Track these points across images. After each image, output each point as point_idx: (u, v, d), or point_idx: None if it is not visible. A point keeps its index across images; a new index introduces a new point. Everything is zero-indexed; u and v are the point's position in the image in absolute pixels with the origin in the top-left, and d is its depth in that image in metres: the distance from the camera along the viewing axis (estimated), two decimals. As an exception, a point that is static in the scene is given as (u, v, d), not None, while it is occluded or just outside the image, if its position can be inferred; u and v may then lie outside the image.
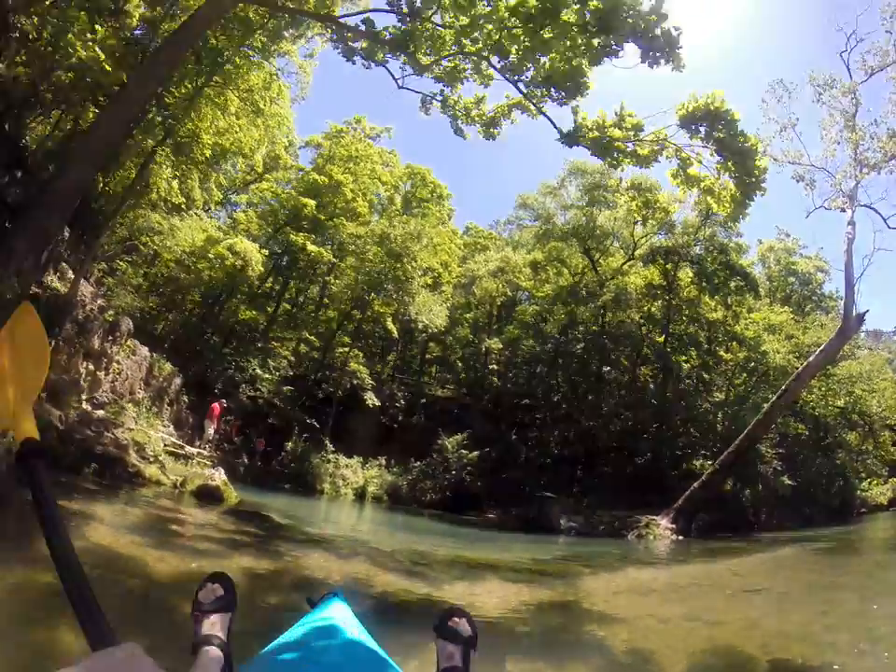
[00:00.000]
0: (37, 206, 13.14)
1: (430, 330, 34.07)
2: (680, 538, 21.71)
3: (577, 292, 35.81)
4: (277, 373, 29.50)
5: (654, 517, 23.19)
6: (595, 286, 35.46)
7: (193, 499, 12.80)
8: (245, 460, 26.42)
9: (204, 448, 22.06)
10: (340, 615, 2.39)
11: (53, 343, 16.32)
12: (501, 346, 38.73)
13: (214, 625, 1.99)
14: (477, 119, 20.65)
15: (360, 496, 28.59)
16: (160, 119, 20.07)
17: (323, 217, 31.01)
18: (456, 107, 20.62)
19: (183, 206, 26.35)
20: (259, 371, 28.78)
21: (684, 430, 32.47)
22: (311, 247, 29.20)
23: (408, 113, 75.61)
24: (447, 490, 29.98)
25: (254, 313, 31.66)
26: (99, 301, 18.52)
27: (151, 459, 13.55)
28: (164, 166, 22.88)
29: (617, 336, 35.55)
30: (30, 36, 16.54)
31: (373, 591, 7.34)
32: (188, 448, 19.80)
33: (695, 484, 24.22)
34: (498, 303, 42.83)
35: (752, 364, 34.10)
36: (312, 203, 30.37)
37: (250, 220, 30.81)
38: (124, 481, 12.16)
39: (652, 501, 25.05)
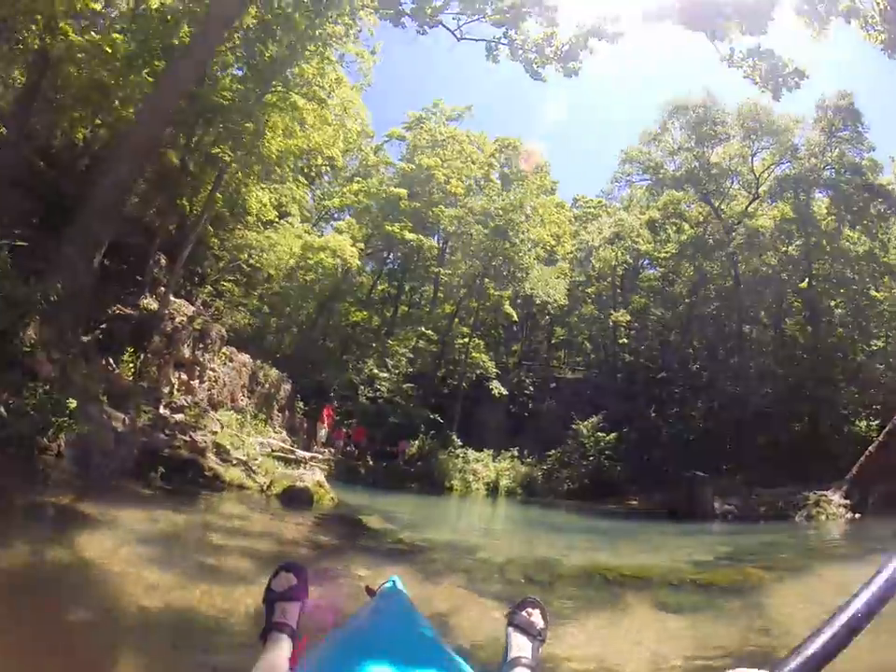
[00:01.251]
0: (84, 209, 12.66)
1: (551, 306, 31.45)
2: (857, 515, 17.89)
3: (702, 244, 32.00)
4: (396, 371, 27.90)
5: (824, 492, 19.38)
6: (721, 234, 31.47)
7: (278, 503, 11.08)
8: (370, 461, 24.90)
9: (319, 451, 20.75)
10: (398, 603, 2.29)
11: (142, 356, 15.54)
12: (629, 318, 35.30)
13: (284, 612, 1.94)
14: (552, 56, 18.35)
15: (493, 490, 26.33)
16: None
17: (419, 206, 29.08)
18: (526, 47, 18.42)
19: (276, 220, 25.55)
20: (376, 370, 27.30)
21: (845, 387, 27.94)
22: (409, 235, 27.36)
23: (484, 95, 70.87)
24: (585, 478, 27.56)
25: (366, 314, 30.22)
26: (191, 312, 17.48)
27: (234, 462, 11.95)
28: (251, 183, 22.41)
29: (754, 287, 31.30)
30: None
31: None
32: (298, 452, 18.40)
33: (871, 448, 19.69)
34: (620, 273, 39.29)
35: None
36: (404, 192, 28.64)
37: (350, 226, 29.37)
38: (199, 486, 10.56)
39: (817, 473, 21.37)
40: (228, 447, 12.64)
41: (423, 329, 31.68)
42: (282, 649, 1.81)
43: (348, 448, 24.39)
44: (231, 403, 17.96)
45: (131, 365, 14.90)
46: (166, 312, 16.64)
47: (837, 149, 30.51)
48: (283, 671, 1.73)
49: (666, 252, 35.42)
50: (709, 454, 26.47)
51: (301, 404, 23.34)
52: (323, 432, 21.41)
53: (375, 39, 23.84)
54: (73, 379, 10.64)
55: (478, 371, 30.44)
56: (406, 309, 38.10)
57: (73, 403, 8.68)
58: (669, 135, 34.19)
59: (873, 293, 30.22)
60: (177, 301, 18.05)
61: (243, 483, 11.59)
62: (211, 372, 17.21)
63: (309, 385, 25.25)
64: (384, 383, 27.06)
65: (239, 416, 17.49)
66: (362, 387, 26.87)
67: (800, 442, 25.97)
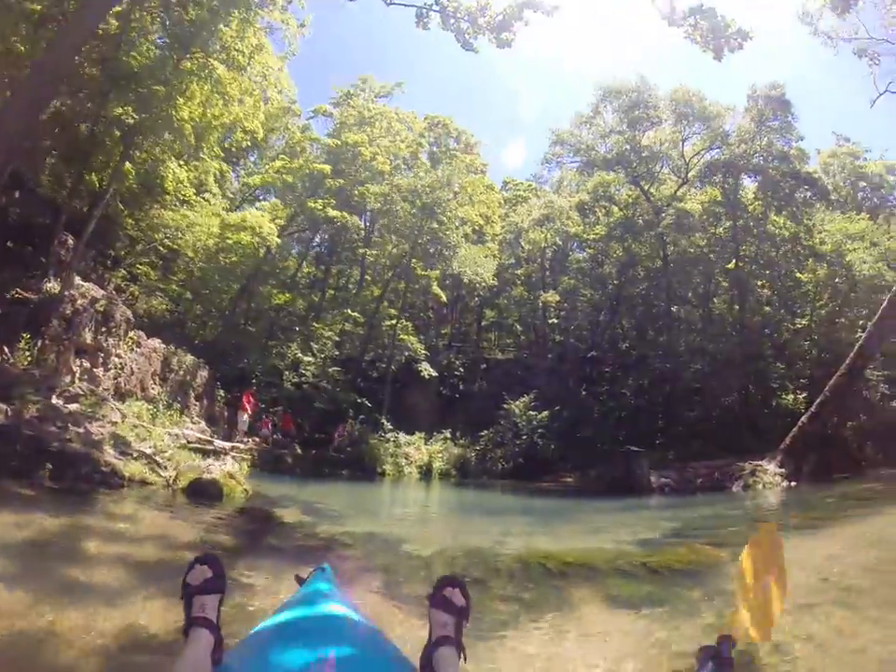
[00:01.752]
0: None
1: (479, 287, 30.67)
2: (793, 483, 18.44)
3: (631, 225, 31.95)
4: (322, 356, 26.70)
5: (759, 462, 19.78)
6: (650, 216, 31.42)
7: (184, 499, 9.95)
8: (299, 450, 23.70)
9: (241, 441, 19.47)
10: (327, 591, 2.31)
11: (39, 343, 14.13)
12: (559, 299, 35.12)
13: (204, 607, 1.90)
14: (485, 26, 17.48)
15: (426, 473, 25.59)
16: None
17: (344, 183, 27.77)
18: (458, 15, 17.51)
19: (193, 198, 24.10)
20: (300, 355, 26.06)
21: (772, 363, 28.45)
22: (332, 212, 26.02)
23: (418, 75, 69.84)
24: (519, 457, 27.11)
25: (289, 296, 28.85)
26: (98, 295, 15.97)
27: (136, 455, 10.74)
28: (166, 158, 21.34)
29: (683, 267, 31.51)
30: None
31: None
32: (217, 443, 17.11)
33: (803, 419, 20.54)
34: (549, 255, 38.90)
35: (836, 280, 29.51)
36: (327, 167, 27.27)
37: (275, 207, 27.85)
38: (94, 483, 9.32)
39: (748, 446, 21.97)
40: (130, 439, 11.42)
41: (349, 311, 30.44)
42: (203, 644, 1.75)
43: (275, 437, 23.11)
44: (142, 392, 16.64)
45: (27, 353, 13.57)
46: (66, 294, 15.11)
47: (766, 138, 31.02)
48: (205, 666, 1.69)
49: (595, 234, 35.21)
50: (642, 430, 26.84)
51: (221, 392, 21.98)
52: (245, 419, 20.10)
53: (307, 12, 22.26)
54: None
55: (406, 354, 29.62)
56: (333, 293, 36.75)
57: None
58: (601, 118, 33.84)
59: (797, 275, 30.92)
60: (85, 284, 16.51)
61: (145, 478, 10.43)
62: (116, 359, 15.82)
63: (231, 372, 23.92)
64: (309, 367, 25.88)
65: (150, 406, 16.22)
66: (287, 373, 25.62)
67: (730, 417, 26.49)
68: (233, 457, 17.35)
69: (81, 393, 11.87)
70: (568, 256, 40.07)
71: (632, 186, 33.41)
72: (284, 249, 35.94)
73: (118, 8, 16.11)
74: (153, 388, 17.23)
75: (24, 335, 13.71)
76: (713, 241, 31.34)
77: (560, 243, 38.29)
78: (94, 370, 15.00)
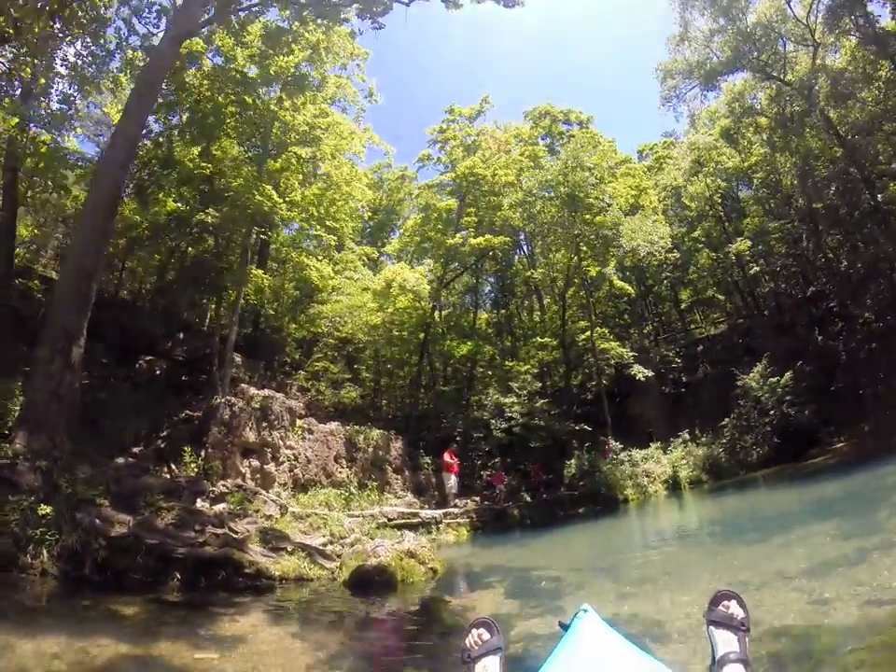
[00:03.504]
0: (49, 305, 11.33)
1: (660, 257, 26.16)
2: None
3: (784, 119, 26.04)
4: (524, 392, 23.67)
5: None
6: (802, 104, 25.33)
7: (346, 594, 7.25)
8: (528, 498, 20.50)
9: (454, 505, 16.76)
10: (593, 630, 2.14)
11: (203, 452, 12.59)
12: (749, 244, 29.17)
13: (486, 669, 1.91)
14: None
15: (674, 487, 21.05)
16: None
17: (476, 211, 25.30)
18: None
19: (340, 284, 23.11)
20: (501, 398, 23.19)
21: None
22: (473, 241, 23.26)
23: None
24: (773, 436, 22.03)
25: (471, 344, 26.37)
26: (250, 395, 14.37)
27: (291, 550, 8.26)
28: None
29: (866, 141, 24.22)
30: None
31: None
32: (424, 513, 14.76)
33: None
34: (718, 201, 33.58)
35: None
36: (453, 202, 25.22)
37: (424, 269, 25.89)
38: (236, 588, 7.14)
39: None
40: (289, 531, 9.01)
41: (539, 338, 27.39)
42: None
43: (509, 491, 20.22)
44: (327, 478, 14.55)
45: (192, 465, 12.02)
46: (223, 401, 13.51)
47: None
48: None
49: (757, 156, 29.58)
50: None
51: (427, 460, 19.52)
52: (452, 481, 17.37)
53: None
54: (59, 486, 7.89)
55: (613, 362, 25.50)
56: (519, 332, 34.03)
57: (45, 509, 6.97)
58: (694, 28, 28.25)
59: None
60: (244, 387, 15.00)
61: (302, 573, 7.94)
62: (288, 451, 13.93)
63: (433, 438, 21.49)
64: (514, 408, 22.77)
65: (339, 491, 14.03)
66: (493, 421, 22.73)
67: None
68: (448, 524, 14.87)
69: (227, 491, 9.69)
70: (740, 195, 34.75)
71: (766, 83, 27.38)
72: (454, 305, 34.26)
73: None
74: (340, 472, 15.15)
75: (186, 449, 12.23)
76: (882, 96, 23.86)
77: (724, 184, 32.94)
78: (265, 466, 13.17)
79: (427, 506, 16.45)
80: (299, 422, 14.79)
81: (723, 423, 23.58)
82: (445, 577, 8.45)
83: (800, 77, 25.76)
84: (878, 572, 4.82)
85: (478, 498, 19.23)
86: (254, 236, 19.26)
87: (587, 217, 23.69)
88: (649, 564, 8.00)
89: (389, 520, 13.30)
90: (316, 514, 10.78)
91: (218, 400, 13.79)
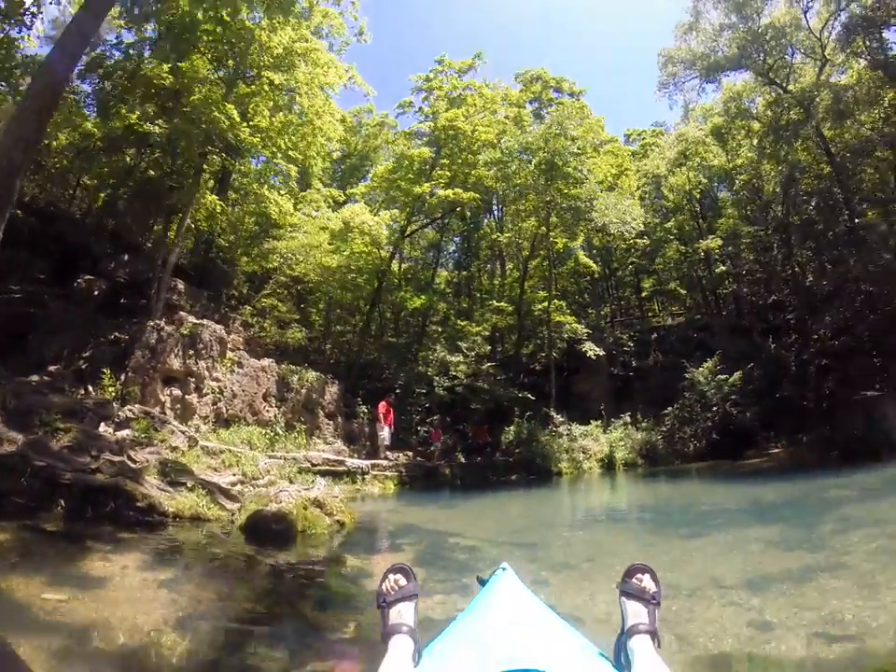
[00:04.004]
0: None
1: (629, 237, 25.69)
2: None
3: (778, 127, 25.51)
4: (473, 353, 23.23)
5: None
6: (799, 114, 24.77)
7: (239, 540, 6.65)
8: (463, 459, 20.22)
9: (383, 457, 16.25)
10: (510, 588, 2.16)
11: (123, 376, 11.77)
12: (720, 243, 29.03)
13: (401, 614, 1.91)
14: None
15: (608, 466, 21.07)
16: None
17: (448, 164, 24.13)
18: None
19: (299, 221, 22.50)
20: (448, 357, 22.70)
21: None
22: (442, 192, 22.21)
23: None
24: (712, 432, 22.26)
25: (425, 298, 25.52)
26: (181, 321, 13.54)
27: (191, 486, 7.62)
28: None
29: (855, 165, 24.54)
30: None
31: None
32: (351, 462, 14.13)
33: None
34: (697, 196, 33.19)
35: None
36: (426, 151, 24.04)
37: (392, 218, 24.55)
38: (125, 522, 6.53)
39: None
40: (191, 467, 8.35)
41: (495, 302, 26.87)
42: (404, 649, 1.72)
43: (444, 449, 20.03)
44: (253, 416, 13.84)
45: (111, 389, 11.20)
46: (151, 325, 12.66)
47: None
48: (409, 670, 1.64)
49: (743, 159, 29.14)
50: (852, 375, 20.50)
51: (365, 409, 18.93)
52: (385, 433, 16.79)
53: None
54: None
55: (566, 336, 25.21)
56: (477, 295, 33.48)
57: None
58: (705, 20, 27.53)
59: None
60: (182, 314, 14.16)
61: (199, 513, 7.30)
62: (213, 383, 13.17)
63: (373, 388, 20.90)
64: (459, 367, 22.34)
65: (265, 431, 13.40)
66: (437, 378, 22.24)
67: None
68: (375, 476, 14.39)
69: (133, 417, 8.95)
70: (719, 195, 34.58)
71: (766, 88, 26.98)
72: (416, 260, 33.48)
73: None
74: (267, 411, 14.45)
75: (106, 371, 11.40)
76: (884, 119, 23.76)
77: (705, 181, 32.57)
78: (186, 397, 12.40)
79: (356, 455, 15.94)
80: (229, 354, 14.01)
81: (666, 411, 23.61)
82: (354, 532, 7.83)
83: (802, 88, 25.38)
84: (826, 598, 4.29)
85: (411, 454, 18.80)
86: (216, 161, 18.38)
87: (562, 186, 22.97)
88: (574, 546, 7.47)
89: (313, 465, 12.72)
90: (230, 451, 10.11)
91: (148, 324, 12.95)
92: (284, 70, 17.31)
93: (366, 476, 14.09)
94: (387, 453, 16.70)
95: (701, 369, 23.70)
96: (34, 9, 13.13)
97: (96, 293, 16.30)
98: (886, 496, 9.54)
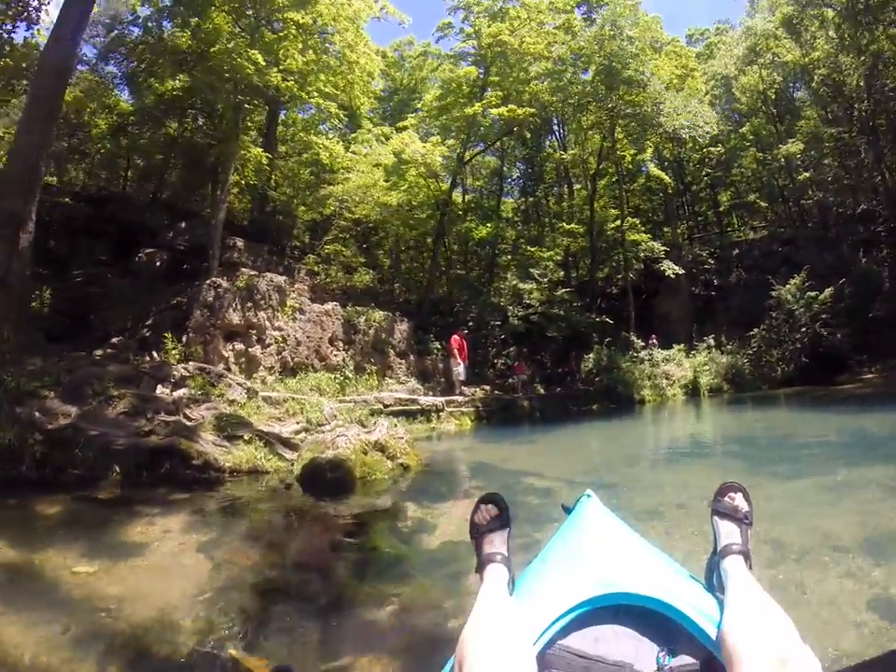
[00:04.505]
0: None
1: (703, 142, 23.79)
2: None
3: (857, 12, 22.43)
4: (546, 280, 22.37)
5: None
6: None
7: (299, 492, 6.21)
8: (541, 390, 19.60)
9: (459, 393, 15.76)
10: (596, 514, 2.10)
11: (185, 338, 11.62)
12: (802, 147, 26.50)
13: (493, 543, 1.86)
14: None
15: (693, 392, 19.98)
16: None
17: (501, 82, 22.32)
18: None
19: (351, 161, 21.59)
20: (521, 285, 21.89)
21: None
22: (495, 111, 20.68)
23: None
24: (801, 355, 20.98)
25: (491, 226, 24.39)
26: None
27: (248, 438, 7.27)
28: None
29: None
30: None
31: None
32: (424, 399, 13.70)
33: None
34: (773, 96, 30.18)
35: None
36: (473, 70, 22.28)
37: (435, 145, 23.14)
38: (181, 482, 6.32)
39: None
40: (250, 419, 8.02)
41: (566, 224, 25.46)
42: (500, 579, 1.68)
43: (524, 381, 19.36)
44: (321, 362, 13.51)
45: (174, 352, 11.07)
46: (207, 283, 12.40)
47: None
48: (506, 598, 1.60)
49: (819, 52, 26.13)
50: None
51: (437, 345, 18.46)
52: (459, 368, 16.24)
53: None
54: (2, 380, 7.15)
55: (642, 256, 23.86)
56: (547, 220, 32.15)
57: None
58: None
59: None
60: (243, 270, 13.97)
61: (258, 465, 6.96)
62: (276, 332, 12.84)
63: (445, 323, 20.33)
64: (533, 294, 21.55)
65: (334, 375, 13.08)
66: (511, 308, 21.53)
67: None
68: (451, 413, 13.94)
69: (188, 375, 8.65)
70: (796, 95, 31.49)
71: None
72: (479, 189, 32.39)
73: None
74: (335, 355, 14.10)
75: (167, 335, 11.26)
76: None
77: (780, 79, 29.60)
78: (249, 350, 12.15)
79: (431, 393, 15.47)
80: (290, 301, 13.61)
81: (752, 333, 22.33)
82: (420, 476, 7.27)
83: None
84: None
85: (488, 387, 18.28)
86: (258, 115, 17.74)
87: (624, 93, 21.30)
88: (659, 487, 6.49)
89: (385, 406, 12.37)
90: (293, 399, 9.76)
91: (204, 283, 12.73)
92: (303, 5, 16.26)
93: (441, 413, 13.62)
94: (463, 388, 16.17)
95: (788, 286, 22.17)
96: (35, 2, 12.88)
97: (158, 264, 16.47)
98: None
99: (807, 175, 27.55)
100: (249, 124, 19.98)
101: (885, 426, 9.81)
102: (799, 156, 27.21)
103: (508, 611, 1.52)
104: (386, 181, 20.77)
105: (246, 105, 16.56)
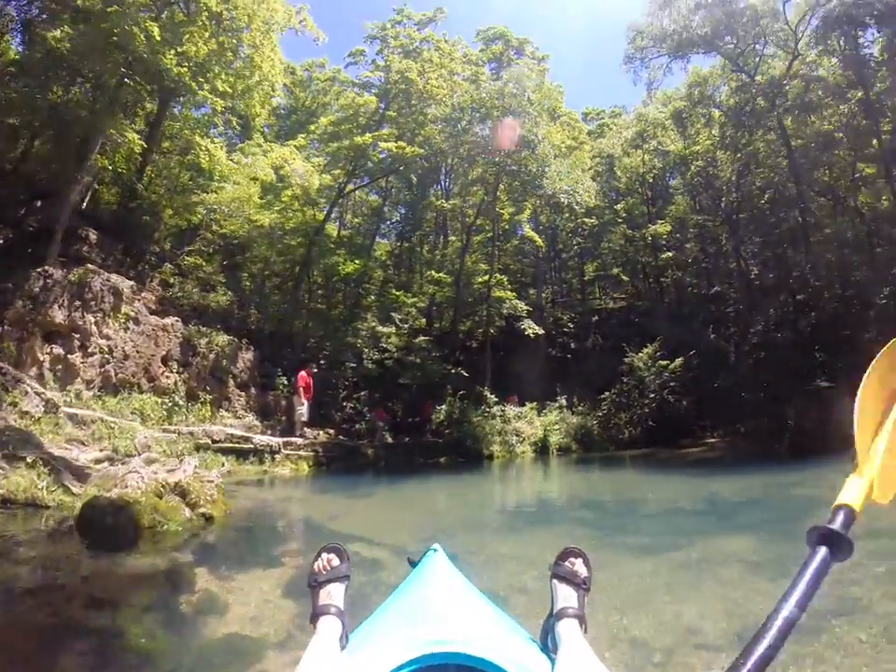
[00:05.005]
0: None
1: (578, 208, 24.52)
2: None
3: (741, 115, 24.80)
4: (406, 326, 22.05)
5: None
6: (763, 105, 24.23)
7: (76, 538, 5.14)
8: (389, 438, 19.06)
9: (299, 434, 14.84)
10: (441, 569, 2.12)
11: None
12: (669, 229, 28.68)
13: (330, 595, 1.84)
14: None
15: (542, 450, 20.14)
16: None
17: (398, 118, 22.31)
18: None
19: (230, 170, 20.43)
20: (380, 328, 21.35)
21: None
22: (384, 144, 20.32)
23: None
24: (648, 419, 21.82)
25: (359, 263, 23.90)
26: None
27: (30, 462, 6.14)
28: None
29: (813, 162, 23.97)
30: None
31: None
32: (259, 438, 12.62)
33: None
34: (650, 180, 32.38)
35: None
36: (372, 99, 22.11)
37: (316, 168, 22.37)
38: None
39: None
40: (42, 438, 6.88)
41: (434, 272, 25.39)
42: (332, 630, 1.66)
43: (370, 427, 18.93)
44: (149, 383, 12.19)
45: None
46: (36, 272, 10.95)
47: None
48: (336, 652, 1.59)
49: (700, 146, 28.40)
50: (792, 369, 19.92)
51: (284, 381, 17.38)
52: (302, 408, 15.26)
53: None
54: None
55: (505, 313, 24.29)
56: (418, 267, 32.20)
57: None
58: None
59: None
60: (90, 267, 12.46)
61: (36, 497, 5.82)
62: (103, 341, 11.46)
63: (297, 359, 19.23)
64: (391, 339, 21.08)
65: (162, 400, 11.81)
66: (366, 350, 20.89)
67: None
68: (287, 455, 13.01)
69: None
70: (671, 182, 33.88)
71: (733, 73, 26.11)
72: (356, 226, 31.87)
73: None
74: (167, 377, 12.79)
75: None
76: (845, 121, 23.24)
77: (660, 165, 31.74)
78: (70, 356, 10.74)
79: (269, 432, 14.42)
80: (124, 308, 12.20)
81: (603, 396, 23.02)
82: (224, 532, 6.23)
83: (772, 77, 24.81)
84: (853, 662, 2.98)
85: (333, 431, 17.45)
86: (144, 97, 16.37)
87: (514, 148, 21.78)
88: (501, 562, 5.83)
89: (214, 441, 11.29)
90: (103, 420, 8.58)
91: (34, 270, 11.19)
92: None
93: (276, 455, 12.64)
94: (305, 429, 15.25)
95: (641, 354, 23.23)
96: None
97: (1, 242, 14.43)
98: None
99: (670, 255, 29.61)
100: (139, 111, 18.41)
101: (734, 491, 9.99)
102: (665, 237, 29.29)
103: (335, 667, 1.49)
104: (261, 198, 19.81)
105: (132, 83, 15.10)
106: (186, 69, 14.94)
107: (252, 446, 12.06)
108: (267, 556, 5.75)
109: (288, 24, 19.19)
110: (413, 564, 2.29)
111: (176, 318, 13.93)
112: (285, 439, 13.65)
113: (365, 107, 22.26)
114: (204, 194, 19.78)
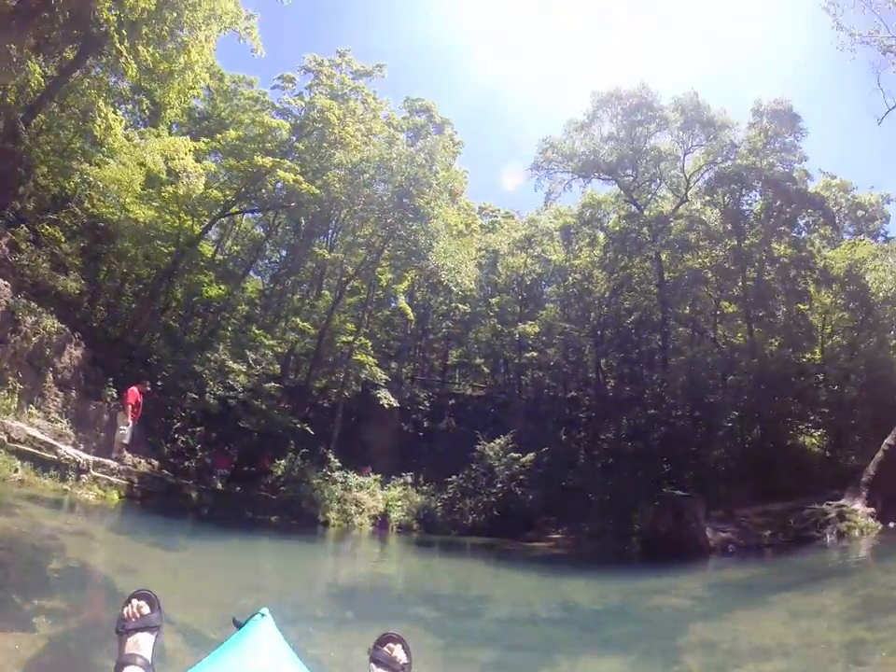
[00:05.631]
0: None
1: (456, 289, 24.62)
2: (891, 525, 13.34)
3: (625, 240, 26.63)
4: (259, 367, 20.06)
5: (842, 503, 14.63)
6: (646, 237, 26.21)
7: None
8: (219, 484, 16.87)
9: (119, 455, 12.39)
10: (266, 635, 2.06)
11: None
12: (538, 330, 29.57)
13: (137, 644, 1.79)
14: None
15: (381, 524, 18.84)
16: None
17: (302, 147, 21.33)
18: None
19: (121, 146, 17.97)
20: (230, 363, 19.22)
21: (788, 399, 22.90)
22: (282, 174, 18.95)
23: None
24: (493, 508, 21.42)
25: (225, 289, 21.90)
26: None
27: None
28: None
29: (681, 293, 26.15)
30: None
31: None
32: (66, 450, 10.24)
33: (889, 440, 14.81)
34: (528, 282, 33.46)
35: (851, 304, 24.53)
36: (285, 124, 21.17)
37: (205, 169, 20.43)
38: None
39: (784, 489, 17.08)
40: None
41: (299, 321, 23.93)
42: None
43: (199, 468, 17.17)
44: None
45: None
46: None
47: (768, 160, 26.57)
48: None
49: (579, 260, 30.13)
50: (640, 477, 21.09)
51: (113, 393, 14.71)
52: (125, 427, 12.78)
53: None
54: None
55: (364, 376, 23.59)
56: (284, 313, 30.23)
57: None
58: (598, 126, 28.83)
59: (800, 306, 25.27)
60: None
61: None
62: None
63: (134, 373, 16.52)
64: (239, 377, 19.04)
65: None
66: (211, 383, 18.61)
67: (752, 456, 20.97)
68: (97, 478, 10.65)
69: None
70: (547, 288, 35.55)
71: (626, 203, 28.39)
72: (234, 254, 29.70)
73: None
74: (-31, 351, 10.18)
75: None
76: (716, 266, 26.01)
77: (539, 270, 32.96)
78: None
79: (82, 446, 11.88)
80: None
81: (450, 479, 22.42)
82: None
83: (658, 213, 27.30)
84: None
85: (157, 463, 14.96)
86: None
87: (409, 216, 21.26)
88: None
89: (11, 440, 8.95)
90: None
91: None
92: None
93: (83, 475, 10.25)
94: (125, 452, 12.77)
95: (493, 444, 23.17)
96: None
97: None
98: (723, 607, 8.09)
99: (534, 354, 30.59)
100: (57, 54, 15.79)
101: (592, 597, 9.10)
102: (532, 337, 30.29)
103: None
104: (143, 188, 17.69)
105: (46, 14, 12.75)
106: (113, 17, 12.96)
107: (56, 457, 9.67)
108: (15, 610, 3.86)
109: (234, 24, 17.65)
110: (239, 625, 2.16)
111: (6, 283, 11.31)
112: (98, 458, 11.24)
113: (276, 132, 21.32)
114: (87, 164, 17.40)
